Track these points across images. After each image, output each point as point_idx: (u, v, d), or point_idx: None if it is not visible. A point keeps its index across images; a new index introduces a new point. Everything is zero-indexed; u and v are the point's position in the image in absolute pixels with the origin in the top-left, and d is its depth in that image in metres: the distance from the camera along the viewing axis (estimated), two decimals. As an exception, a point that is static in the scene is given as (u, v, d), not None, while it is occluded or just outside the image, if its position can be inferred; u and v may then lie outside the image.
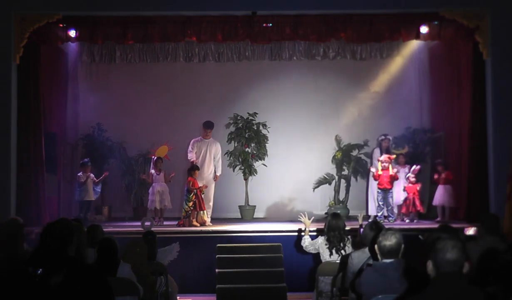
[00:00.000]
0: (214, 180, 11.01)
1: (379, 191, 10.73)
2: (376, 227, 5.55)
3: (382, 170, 10.69)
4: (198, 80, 12.69)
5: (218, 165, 11.04)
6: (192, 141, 11.06)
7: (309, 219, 7.86)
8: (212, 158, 11.00)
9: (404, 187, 10.91)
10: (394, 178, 10.70)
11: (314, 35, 10.55)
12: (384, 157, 10.85)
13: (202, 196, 10.42)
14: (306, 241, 7.54)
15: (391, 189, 10.69)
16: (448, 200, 10.71)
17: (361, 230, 6.80)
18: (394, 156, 11.11)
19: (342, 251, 6.91)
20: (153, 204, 10.74)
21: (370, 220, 9.98)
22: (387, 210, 10.67)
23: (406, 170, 11.19)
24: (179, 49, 12.63)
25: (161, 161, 10.89)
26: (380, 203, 10.73)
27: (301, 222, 8.01)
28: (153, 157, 11.07)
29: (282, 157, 12.52)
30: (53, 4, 9.68)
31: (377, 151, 11.40)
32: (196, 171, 10.43)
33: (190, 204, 10.20)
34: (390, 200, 10.66)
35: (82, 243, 5.26)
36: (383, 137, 11.31)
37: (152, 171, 10.84)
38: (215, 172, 11.01)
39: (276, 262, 8.71)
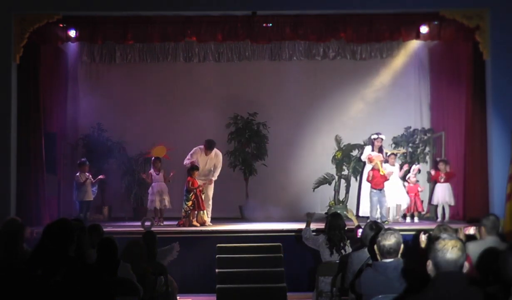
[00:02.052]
0: (208, 183, 10.87)
1: (374, 191, 10.41)
2: (376, 227, 5.55)
3: (374, 169, 10.49)
4: (198, 80, 12.68)
5: (216, 171, 10.94)
6: (194, 149, 10.82)
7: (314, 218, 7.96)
8: (212, 166, 10.92)
9: (406, 187, 10.86)
10: (385, 178, 10.57)
11: (314, 35, 10.55)
12: (378, 155, 10.65)
13: (202, 196, 10.41)
14: (307, 232, 7.52)
15: (383, 188, 10.55)
16: (449, 198, 10.68)
17: (359, 230, 6.77)
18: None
19: (342, 251, 6.91)
20: (152, 204, 10.74)
21: (369, 220, 9.87)
22: (381, 211, 10.39)
23: (397, 169, 10.96)
24: (179, 49, 12.63)
25: (159, 161, 10.87)
26: (375, 203, 10.39)
27: (301, 221, 8.02)
28: (152, 157, 11.05)
29: (282, 156, 12.51)
30: (53, 4, 9.68)
31: (368, 149, 11.11)
32: (195, 171, 10.41)
33: (189, 203, 10.19)
34: (384, 200, 10.46)
35: (84, 243, 5.27)
36: (376, 136, 11.00)
37: (152, 171, 10.84)
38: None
39: (276, 262, 8.71)
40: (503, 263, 3.61)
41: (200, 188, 10.35)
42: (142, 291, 5.20)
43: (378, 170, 10.41)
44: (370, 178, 10.49)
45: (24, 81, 9.82)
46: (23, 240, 5.98)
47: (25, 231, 6.22)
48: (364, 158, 11.11)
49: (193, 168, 10.43)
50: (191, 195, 10.21)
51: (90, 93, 12.40)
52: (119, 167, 12.25)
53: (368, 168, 10.90)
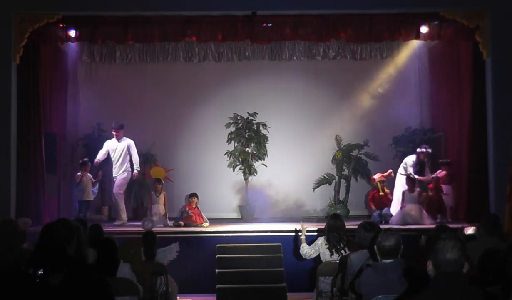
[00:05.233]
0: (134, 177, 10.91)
1: (377, 210, 10.56)
2: (370, 227, 5.54)
3: (374, 190, 10.67)
4: (198, 80, 12.69)
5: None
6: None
7: (307, 220, 7.88)
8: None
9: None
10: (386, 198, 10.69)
11: (314, 35, 10.55)
12: (380, 176, 10.81)
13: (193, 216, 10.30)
14: (304, 249, 7.38)
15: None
16: (448, 199, 10.67)
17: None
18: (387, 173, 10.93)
19: (342, 251, 6.89)
20: (148, 226, 10.36)
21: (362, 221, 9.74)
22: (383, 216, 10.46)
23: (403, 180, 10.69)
24: (179, 49, 12.62)
25: (159, 183, 10.63)
26: (377, 219, 10.26)
27: (301, 222, 8.01)
28: (151, 178, 11.01)
29: (282, 157, 12.50)
30: (53, 4, 9.68)
31: (411, 158, 10.75)
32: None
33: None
34: (388, 210, 10.47)
35: (83, 243, 5.27)
36: (422, 150, 10.66)
37: (152, 193, 10.66)
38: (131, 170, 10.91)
39: (276, 262, 8.71)
40: (503, 263, 3.62)
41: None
42: (142, 291, 5.20)
43: (378, 191, 10.54)
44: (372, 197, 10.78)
45: (24, 81, 9.82)
46: (17, 240, 5.95)
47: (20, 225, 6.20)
48: (407, 165, 10.70)
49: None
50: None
51: (90, 93, 12.40)
52: (119, 167, 12.23)
53: (400, 177, 10.75)
